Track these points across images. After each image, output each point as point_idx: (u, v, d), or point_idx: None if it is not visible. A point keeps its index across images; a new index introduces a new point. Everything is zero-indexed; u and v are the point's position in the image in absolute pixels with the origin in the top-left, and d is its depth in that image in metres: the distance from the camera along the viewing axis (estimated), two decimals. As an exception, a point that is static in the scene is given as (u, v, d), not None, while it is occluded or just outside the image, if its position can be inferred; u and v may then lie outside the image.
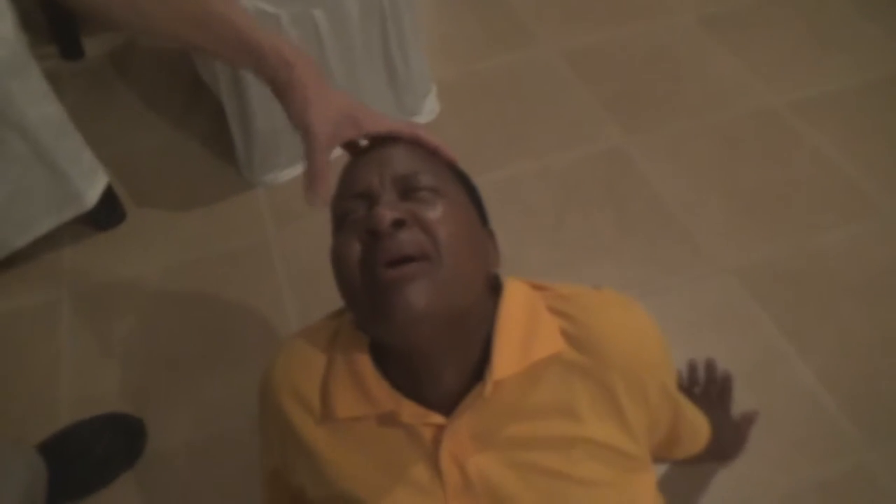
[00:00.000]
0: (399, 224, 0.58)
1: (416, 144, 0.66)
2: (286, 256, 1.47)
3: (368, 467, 0.64)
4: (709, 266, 1.41)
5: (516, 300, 0.65)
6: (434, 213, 0.59)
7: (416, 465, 0.63)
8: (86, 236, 1.52)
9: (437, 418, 0.62)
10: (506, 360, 0.61)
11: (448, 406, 0.62)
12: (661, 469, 1.11)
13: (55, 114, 1.30)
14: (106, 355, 1.34)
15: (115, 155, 1.65)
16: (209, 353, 1.33)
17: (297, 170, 1.60)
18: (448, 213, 0.60)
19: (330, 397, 0.65)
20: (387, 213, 0.57)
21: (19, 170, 1.28)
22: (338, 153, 0.66)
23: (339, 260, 0.61)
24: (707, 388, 1.12)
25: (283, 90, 0.67)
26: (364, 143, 0.70)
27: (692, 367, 1.14)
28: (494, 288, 0.68)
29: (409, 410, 0.62)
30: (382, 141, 0.67)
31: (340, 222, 0.63)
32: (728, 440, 1.08)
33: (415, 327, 0.56)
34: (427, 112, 1.71)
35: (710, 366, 1.13)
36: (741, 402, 1.13)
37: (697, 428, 0.83)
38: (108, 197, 1.49)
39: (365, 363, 0.64)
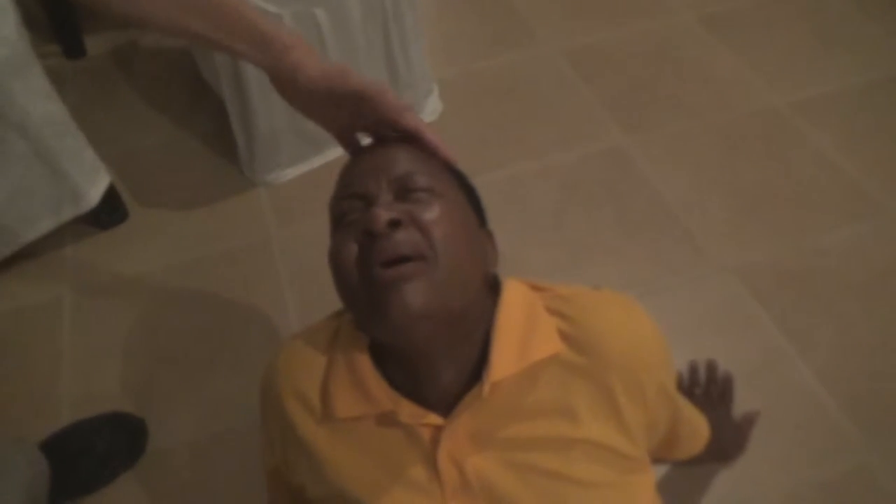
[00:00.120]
0: (395, 224, 0.58)
1: (416, 139, 0.66)
2: (287, 255, 1.47)
3: (367, 467, 0.64)
4: (709, 266, 1.41)
5: (515, 301, 0.65)
6: (430, 213, 0.60)
7: (414, 464, 0.63)
8: (87, 235, 1.53)
9: (435, 419, 0.62)
10: (503, 361, 0.61)
11: (447, 406, 0.62)
12: (662, 469, 1.11)
13: (57, 113, 1.30)
14: (108, 354, 1.34)
15: (117, 154, 1.65)
16: (210, 352, 1.33)
17: (299, 169, 1.60)
18: (444, 213, 0.60)
19: (330, 397, 0.66)
20: (383, 214, 0.57)
21: (21, 169, 1.29)
22: (338, 153, 0.66)
23: (336, 260, 0.61)
24: (708, 389, 1.13)
25: (283, 74, 0.68)
26: (366, 141, 0.70)
27: (693, 369, 1.14)
28: (493, 288, 0.68)
29: (408, 410, 0.62)
30: (381, 141, 0.67)
31: (338, 223, 0.63)
32: (729, 441, 1.08)
33: (411, 327, 0.57)
34: (429, 112, 1.71)
35: (711, 367, 1.13)
36: (741, 401, 1.13)
37: (696, 428, 0.84)
38: (110, 196, 1.49)
39: (364, 363, 0.65)
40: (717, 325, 1.32)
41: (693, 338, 1.29)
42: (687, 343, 1.25)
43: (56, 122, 1.30)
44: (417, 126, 0.66)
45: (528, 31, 1.94)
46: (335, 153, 1.57)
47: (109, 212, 1.52)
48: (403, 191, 0.62)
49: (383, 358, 0.65)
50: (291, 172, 1.60)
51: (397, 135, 0.67)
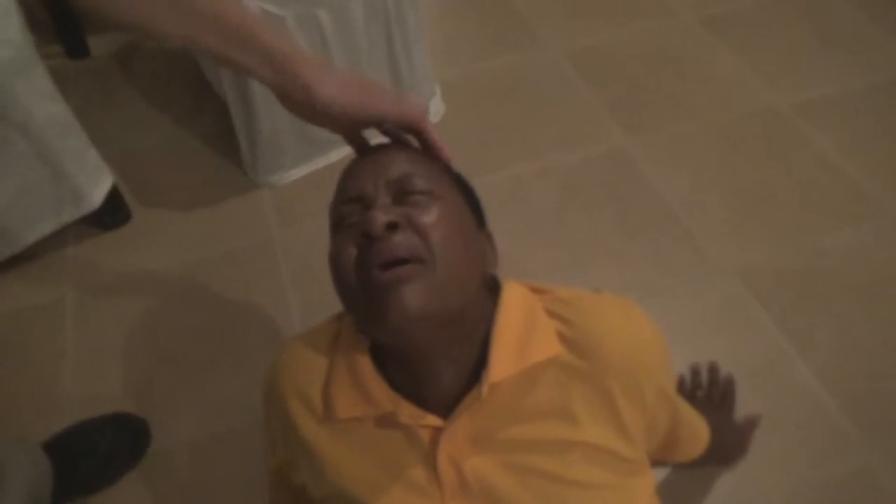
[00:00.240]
0: (392, 227, 0.59)
1: (419, 135, 0.67)
2: (290, 256, 1.48)
3: (368, 467, 0.65)
4: (710, 267, 1.41)
5: (514, 303, 0.66)
6: (428, 216, 0.60)
7: (414, 465, 0.63)
8: (90, 236, 1.53)
9: (435, 420, 0.62)
10: (502, 363, 0.62)
11: (447, 407, 0.63)
12: (663, 471, 1.12)
13: (60, 113, 1.30)
14: (110, 354, 1.35)
15: (120, 154, 1.66)
16: (212, 353, 1.34)
17: (302, 170, 1.60)
18: (442, 215, 0.61)
19: (331, 398, 0.66)
20: (380, 217, 0.58)
21: (24, 169, 1.29)
22: (341, 155, 0.66)
23: (335, 263, 0.62)
24: (710, 392, 1.13)
25: (295, 94, 0.66)
26: (375, 139, 0.70)
27: (695, 371, 1.14)
28: (493, 289, 0.69)
29: (408, 412, 0.63)
30: (380, 144, 0.68)
31: (337, 226, 0.64)
32: (731, 443, 1.08)
33: (410, 328, 0.57)
34: (433, 113, 1.71)
35: (712, 369, 1.14)
36: (741, 401, 1.13)
37: (696, 431, 0.84)
38: (114, 197, 1.49)
39: (365, 365, 0.65)
40: (717, 326, 1.32)
41: (693, 338, 1.29)
42: (687, 343, 1.25)
43: (59, 122, 1.30)
44: (423, 124, 0.67)
45: (529, 32, 1.94)
46: (338, 154, 1.57)
47: (112, 212, 1.52)
48: (402, 193, 0.62)
49: (384, 360, 0.66)
50: (294, 173, 1.60)
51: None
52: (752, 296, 1.36)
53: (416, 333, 0.58)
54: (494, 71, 1.84)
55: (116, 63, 1.94)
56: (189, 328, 1.38)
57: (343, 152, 1.54)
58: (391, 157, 0.65)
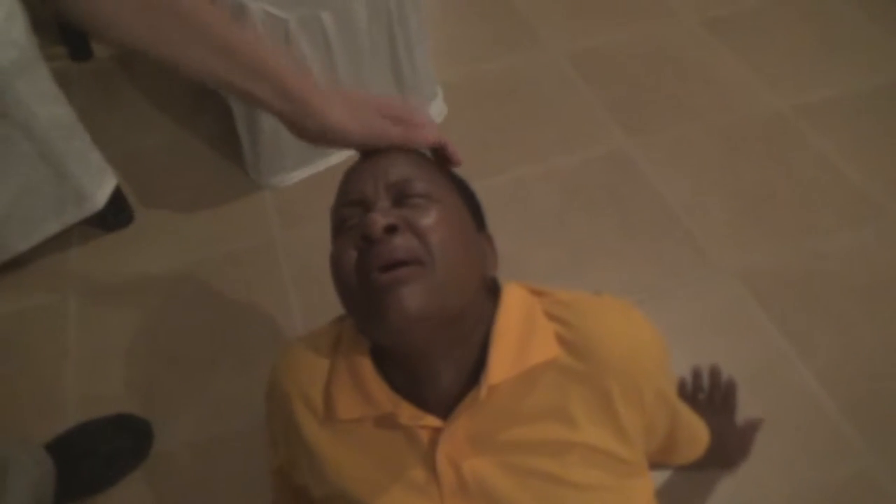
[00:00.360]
0: (392, 230, 0.59)
1: (435, 146, 0.69)
2: (291, 258, 1.48)
3: (368, 467, 0.65)
4: (712, 269, 1.41)
5: (513, 305, 0.66)
6: (427, 218, 0.61)
7: (413, 466, 0.64)
8: (93, 237, 1.53)
9: (434, 421, 0.63)
10: (501, 365, 0.62)
11: (447, 408, 0.63)
12: (664, 474, 1.12)
13: (64, 115, 1.31)
14: (113, 355, 1.35)
15: (123, 155, 1.66)
16: (215, 354, 1.34)
17: (304, 172, 1.61)
18: (441, 218, 0.61)
19: (332, 399, 0.67)
20: (379, 219, 0.59)
21: (27, 171, 1.29)
22: (342, 157, 0.67)
23: (336, 265, 0.62)
24: (711, 395, 1.12)
25: (306, 123, 0.66)
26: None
27: (696, 374, 1.14)
28: (493, 291, 0.69)
29: (408, 412, 0.63)
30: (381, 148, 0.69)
31: (338, 229, 0.65)
32: (733, 446, 1.08)
33: (409, 329, 0.58)
34: (435, 115, 1.71)
35: (714, 372, 1.13)
36: (742, 403, 1.13)
37: (695, 434, 0.84)
38: (116, 198, 1.50)
39: (366, 366, 0.66)
40: (718, 328, 1.32)
41: (694, 339, 1.29)
42: (687, 345, 1.25)
43: (63, 124, 1.30)
44: (439, 139, 0.69)
45: (530, 34, 1.95)
46: (340, 157, 1.57)
47: (115, 214, 1.52)
48: (401, 196, 0.63)
49: (384, 361, 0.66)
50: (296, 175, 1.61)
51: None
52: (752, 297, 1.36)
53: (415, 334, 0.59)
54: (496, 72, 1.84)
55: (119, 65, 1.94)
56: (191, 329, 1.38)
57: (344, 154, 1.54)
58: (391, 160, 0.66)
